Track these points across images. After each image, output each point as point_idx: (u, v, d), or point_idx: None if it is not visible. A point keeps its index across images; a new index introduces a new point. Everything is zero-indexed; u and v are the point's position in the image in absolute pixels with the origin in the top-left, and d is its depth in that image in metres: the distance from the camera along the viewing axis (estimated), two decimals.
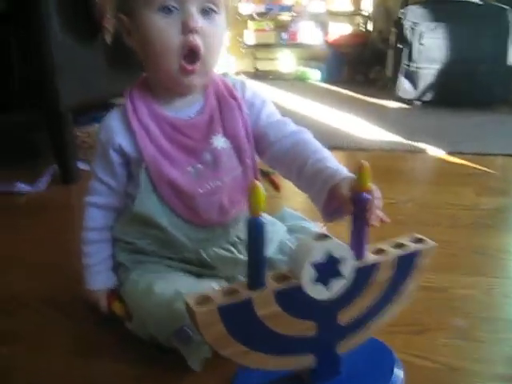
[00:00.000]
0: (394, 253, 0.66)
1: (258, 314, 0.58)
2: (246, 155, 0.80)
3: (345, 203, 0.65)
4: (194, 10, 0.70)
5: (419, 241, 0.69)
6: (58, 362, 0.76)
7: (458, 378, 0.71)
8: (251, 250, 0.56)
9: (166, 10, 0.69)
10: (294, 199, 1.41)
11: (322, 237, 0.60)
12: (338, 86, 3.30)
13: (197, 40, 0.70)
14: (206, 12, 0.71)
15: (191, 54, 0.71)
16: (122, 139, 0.76)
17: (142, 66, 0.77)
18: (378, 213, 0.66)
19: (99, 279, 0.84)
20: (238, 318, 0.57)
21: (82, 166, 1.59)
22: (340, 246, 0.59)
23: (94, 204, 0.83)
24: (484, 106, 2.53)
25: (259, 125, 0.80)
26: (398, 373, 0.70)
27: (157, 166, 0.75)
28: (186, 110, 0.78)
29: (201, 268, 0.81)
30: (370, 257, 0.65)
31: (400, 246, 0.67)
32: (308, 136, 0.79)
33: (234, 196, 0.79)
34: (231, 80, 0.83)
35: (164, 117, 0.77)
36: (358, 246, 0.63)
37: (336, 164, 0.72)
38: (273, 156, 0.79)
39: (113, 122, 0.78)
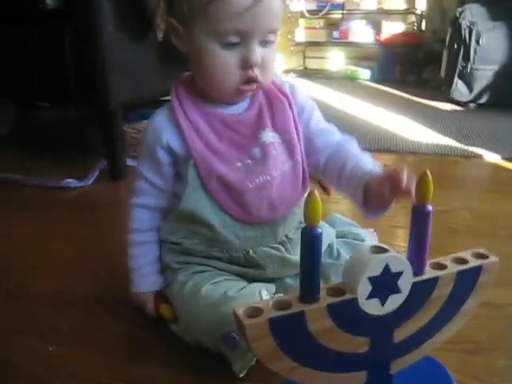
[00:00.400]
0: (454, 268, 0.62)
1: (310, 328, 0.55)
2: (296, 151, 0.79)
3: (378, 198, 0.68)
4: (255, 45, 0.69)
5: (481, 256, 0.64)
6: (101, 362, 0.76)
7: None
8: (305, 261, 0.54)
9: (230, 44, 0.69)
10: (345, 203, 1.37)
11: (380, 249, 0.57)
12: (388, 86, 3.23)
13: (256, 72, 0.71)
14: (265, 42, 0.71)
15: (248, 82, 0.72)
16: (170, 137, 0.76)
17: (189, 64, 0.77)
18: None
19: (146, 282, 0.84)
20: (289, 331, 0.55)
21: (130, 162, 1.59)
22: (399, 259, 0.57)
23: (141, 205, 0.82)
24: None
25: (308, 129, 0.81)
26: None
27: (206, 161, 0.74)
28: (234, 106, 0.78)
29: (249, 268, 0.80)
30: (429, 272, 0.61)
31: (461, 260, 0.64)
32: (351, 145, 0.80)
33: (283, 191, 0.78)
34: (281, 80, 0.82)
35: (213, 113, 0.76)
36: (416, 259, 0.60)
37: (371, 165, 0.75)
38: (316, 162, 0.81)
39: (160, 120, 0.77)
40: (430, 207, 0.59)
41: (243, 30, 0.68)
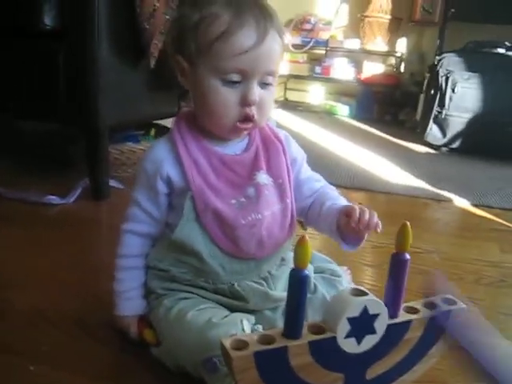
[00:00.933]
0: (426, 313, 0.67)
1: (291, 362, 0.59)
2: (286, 194, 0.84)
3: (346, 231, 0.78)
4: (254, 84, 0.74)
5: (451, 302, 0.69)
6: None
7: None
8: (292, 300, 0.58)
9: (232, 83, 0.74)
10: (321, 239, 1.41)
11: (360, 292, 0.61)
12: (366, 123, 3.31)
13: (253, 111, 0.76)
14: (264, 84, 0.76)
15: (246, 120, 0.76)
16: (170, 169, 0.79)
17: (184, 96, 0.82)
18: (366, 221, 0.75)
19: (131, 305, 0.85)
20: (272, 365, 0.58)
21: (112, 183, 1.61)
22: (376, 302, 0.61)
23: (133, 231, 0.84)
24: None
25: (298, 179, 0.88)
26: None
27: (203, 195, 0.77)
28: (233, 146, 0.82)
29: (232, 299, 0.82)
30: (403, 315, 0.65)
31: (431, 305, 0.68)
32: (330, 189, 0.89)
33: (272, 230, 0.82)
34: (274, 126, 0.88)
35: (213, 151, 0.80)
36: (392, 303, 0.64)
37: (345, 204, 0.83)
38: (303, 207, 0.88)
39: (161, 152, 0.80)
40: (407, 256, 0.64)
41: (244, 70, 0.73)
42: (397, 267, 0.64)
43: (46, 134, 2.13)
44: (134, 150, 1.78)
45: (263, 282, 0.84)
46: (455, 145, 2.63)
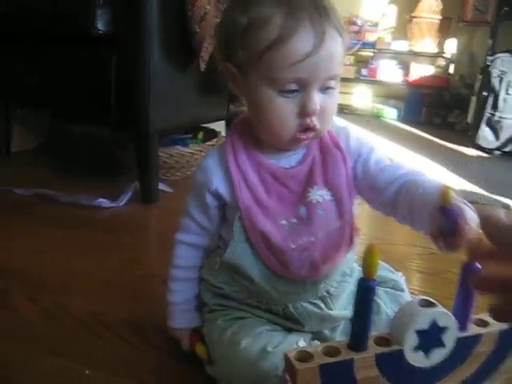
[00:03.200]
0: (498, 326, 0.63)
1: (357, 376, 0.56)
2: (346, 210, 0.76)
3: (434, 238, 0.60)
4: (314, 92, 0.67)
5: None
6: None
7: None
8: (359, 311, 0.55)
9: (288, 92, 0.66)
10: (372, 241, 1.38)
11: (428, 303, 0.58)
12: (414, 126, 3.26)
13: (314, 121, 0.68)
14: (326, 88, 0.68)
15: (306, 130, 0.69)
16: (218, 183, 0.75)
17: (234, 100, 0.78)
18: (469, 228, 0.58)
19: (183, 318, 0.84)
20: (337, 377, 0.55)
21: (161, 186, 1.62)
22: (445, 314, 0.58)
23: (185, 242, 0.82)
24: None
25: (368, 173, 0.76)
26: None
27: (251, 216, 0.73)
28: (288, 158, 0.75)
29: (286, 321, 0.78)
30: (473, 328, 0.62)
31: None
32: (419, 177, 0.72)
33: (327, 252, 0.75)
34: (335, 128, 0.78)
35: (265, 164, 0.74)
36: (462, 315, 0.61)
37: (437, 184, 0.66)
38: (383, 202, 0.74)
39: (211, 164, 0.76)
40: (480, 266, 0.60)
41: (302, 78, 0.65)
42: (467, 277, 0.60)
43: (96, 138, 2.16)
44: (182, 154, 1.78)
45: (320, 303, 0.78)
46: (509, 148, 2.57)
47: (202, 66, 1.50)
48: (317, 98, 0.67)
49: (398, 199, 0.71)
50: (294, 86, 0.66)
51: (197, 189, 0.78)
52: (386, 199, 0.73)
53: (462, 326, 0.61)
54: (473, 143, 2.67)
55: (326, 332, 0.79)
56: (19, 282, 1.06)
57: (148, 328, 0.90)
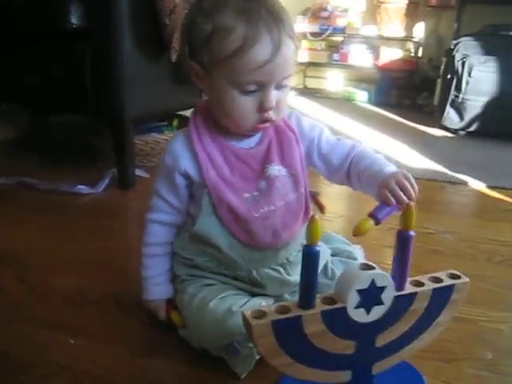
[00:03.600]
0: (430, 286, 0.72)
1: (306, 330, 0.65)
2: (300, 183, 0.86)
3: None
4: (271, 91, 0.76)
5: (455, 276, 0.74)
6: (119, 354, 0.85)
7: None
8: (305, 274, 0.64)
9: (249, 92, 0.75)
10: (338, 221, 1.48)
11: (368, 266, 0.67)
12: (384, 109, 3.35)
13: (271, 114, 0.78)
14: (280, 86, 0.77)
15: (265, 121, 0.79)
16: (187, 164, 0.83)
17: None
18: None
19: (158, 290, 0.92)
20: (288, 332, 0.64)
21: (138, 172, 1.69)
22: (383, 275, 0.66)
23: (157, 221, 0.89)
24: None
25: (322, 153, 0.87)
26: None
27: (218, 191, 0.81)
28: (247, 140, 0.85)
29: (251, 286, 0.88)
30: (409, 288, 0.71)
31: (437, 280, 0.73)
32: (363, 148, 0.87)
33: (286, 220, 0.85)
34: (286, 112, 0.87)
35: (227, 145, 0.83)
36: (399, 277, 0.69)
37: (383, 163, 0.82)
38: (342, 177, 0.87)
39: (178, 147, 0.84)
40: (412, 233, 0.69)
41: (261, 81, 0.74)
42: (402, 244, 0.69)
43: (73, 128, 2.22)
44: (158, 141, 1.86)
45: (281, 269, 0.88)
46: (472, 128, 2.66)
47: (173, 57, 1.57)
48: (273, 96, 0.76)
49: (349, 172, 0.86)
50: (253, 87, 0.75)
51: (166, 171, 0.85)
52: (341, 174, 0.87)
53: (399, 286, 0.70)
54: (439, 124, 2.76)
55: (287, 296, 0.88)
56: (6, 264, 1.14)
57: (129, 302, 0.98)
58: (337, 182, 0.90)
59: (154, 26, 1.53)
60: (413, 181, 0.76)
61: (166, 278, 0.92)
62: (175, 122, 2.06)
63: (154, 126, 1.98)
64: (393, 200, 0.73)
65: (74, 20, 1.45)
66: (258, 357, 0.79)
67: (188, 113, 1.98)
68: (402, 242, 0.69)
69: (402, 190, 0.74)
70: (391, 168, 0.80)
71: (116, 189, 1.65)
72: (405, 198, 0.73)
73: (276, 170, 0.84)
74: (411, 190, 0.74)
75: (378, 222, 0.72)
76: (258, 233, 0.83)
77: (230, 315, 0.78)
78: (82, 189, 1.60)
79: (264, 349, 0.64)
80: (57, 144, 2.24)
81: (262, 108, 0.76)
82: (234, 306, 0.79)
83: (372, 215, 0.73)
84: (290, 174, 0.85)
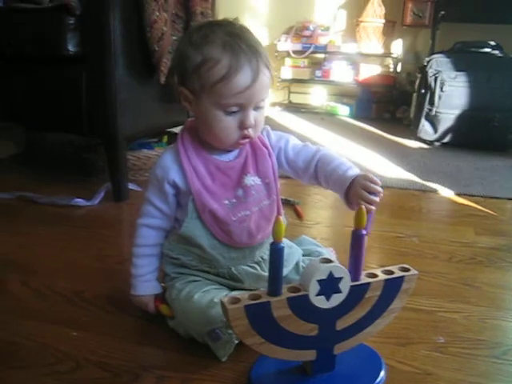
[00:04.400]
0: (383, 277, 0.83)
1: (274, 314, 0.76)
2: (273, 191, 0.99)
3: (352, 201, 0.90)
4: (250, 111, 0.89)
5: (406, 270, 0.85)
6: (116, 344, 0.97)
7: (430, 380, 0.89)
8: (272, 266, 0.75)
9: (231, 112, 0.88)
10: (315, 228, 1.61)
11: (327, 260, 0.78)
12: (365, 122, 3.47)
13: (250, 131, 0.91)
14: (257, 107, 0.91)
15: (245, 138, 0.92)
16: (175, 176, 0.95)
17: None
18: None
19: (148, 287, 1.03)
20: (259, 316, 0.76)
21: (131, 186, 1.82)
22: (340, 268, 0.77)
23: (147, 225, 1.00)
24: (499, 152, 2.69)
25: (289, 159, 1.00)
26: (383, 373, 0.88)
27: (201, 198, 0.93)
28: (227, 154, 0.97)
29: (231, 281, 1.00)
30: (364, 278, 0.82)
31: (389, 272, 0.84)
32: (325, 151, 0.99)
33: (260, 223, 0.98)
34: (262, 134, 1.01)
35: (210, 159, 0.95)
36: (354, 269, 0.80)
37: (346, 167, 0.94)
38: (310, 178, 1.00)
39: (168, 161, 0.96)
40: (363, 231, 0.79)
41: (242, 104, 0.87)
42: (355, 241, 0.79)
43: (69, 145, 2.34)
44: (149, 156, 2.00)
45: (256, 266, 1.01)
46: (446, 139, 2.80)
47: (162, 79, 1.70)
48: (252, 115, 0.90)
49: (317, 174, 0.98)
50: (235, 108, 0.88)
51: (157, 182, 0.97)
52: (309, 175, 0.99)
53: (355, 277, 0.80)
54: (415, 136, 2.90)
55: (262, 290, 1.00)
56: (13, 272, 1.25)
57: (123, 300, 1.09)
58: (308, 183, 1.03)
59: (144, 52, 1.66)
60: (374, 178, 0.89)
61: (155, 276, 1.04)
62: (165, 139, 2.18)
63: (145, 142, 2.10)
64: (370, 207, 0.86)
65: (71, 47, 1.57)
66: (236, 341, 0.90)
67: (176, 130, 2.11)
68: (355, 239, 0.79)
69: (368, 192, 0.88)
70: (353, 171, 0.93)
71: (111, 201, 1.76)
72: (375, 197, 0.87)
73: (251, 180, 0.97)
74: (376, 187, 0.88)
75: (367, 235, 0.82)
76: (235, 234, 0.96)
77: (212, 305, 0.90)
78: (79, 202, 1.71)
79: (239, 330, 0.76)
80: (53, 160, 2.36)
81: (242, 126, 0.89)
82: (215, 297, 0.91)
83: None
84: (264, 183, 0.98)
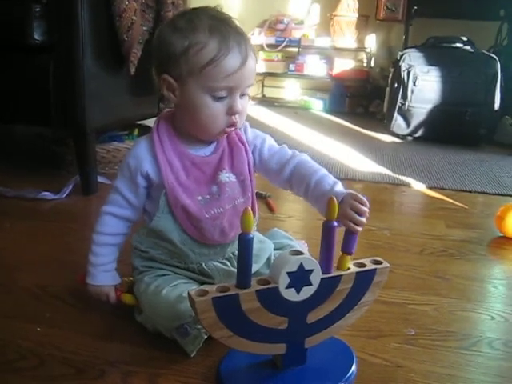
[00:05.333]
0: (354, 269, 0.82)
1: (243, 307, 0.75)
2: (248, 189, 0.98)
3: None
4: (237, 97, 0.88)
5: (378, 262, 0.85)
6: (81, 339, 0.94)
7: (400, 373, 0.89)
8: (240, 258, 0.74)
9: (219, 98, 0.87)
10: (288, 221, 1.60)
11: (297, 252, 0.77)
12: (338, 116, 3.49)
13: (237, 118, 0.89)
14: (243, 95, 0.90)
15: (231, 126, 0.90)
16: (148, 167, 0.92)
17: (163, 99, 0.97)
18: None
19: (108, 276, 1.00)
20: (227, 308, 0.74)
21: (100, 179, 1.78)
22: (310, 260, 0.76)
23: (112, 213, 0.97)
24: (470, 146, 2.73)
25: (263, 159, 0.99)
26: (354, 367, 0.87)
27: (174, 193, 0.91)
28: (203, 149, 0.95)
29: (201, 276, 0.98)
30: (335, 271, 0.81)
31: (361, 265, 0.84)
32: (303, 157, 0.98)
33: (233, 221, 0.96)
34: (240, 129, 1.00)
35: (185, 153, 0.93)
36: (325, 261, 0.79)
37: (331, 182, 0.93)
38: (280, 181, 0.98)
39: (142, 151, 0.93)
40: (335, 223, 0.78)
41: (231, 87, 0.86)
42: (326, 232, 0.78)
43: (36, 137, 2.29)
44: (119, 149, 1.96)
45: (227, 262, 1.00)
46: (418, 134, 2.83)
47: (132, 70, 1.67)
48: (239, 102, 0.88)
49: (292, 180, 0.96)
50: (224, 93, 0.87)
51: (129, 171, 0.94)
52: (282, 179, 0.98)
53: (326, 270, 0.79)
54: (388, 130, 2.92)
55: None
56: None
57: (87, 296, 1.05)
58: (280, 187, 1.01)
59: (113, 42, 1.62)
60: (363, 198, 0.86)
61: (114, 267, 1.01)
62: (136, 132, 2.15)
63: (115, 135, 2.06)
64: (357, 228, 0.83)
65: (37, 36, 1.53)
66: (205, 336, 0.88)
67: (147, 122, 2.09)
68: (327, 231, 0.78)
69: (356, 212, 0.84)
70: (339, 187, 0.91)
71: (79, 195, 1.72)
72: (362, 219, 0.84)
73: (226, 176, 0.95)
74: (364, 208, 0.85)
75: (351, 255, 0.82)
76: (207, 231, 0.94)
77: (180, 300, 0.88)
78: (47, 195, 1.67)
79: (206, 323, 0.74)
80: (21, 153, 2.30)
81: (231, 111, 0.88)
82: (184, 292, 0.89)
83: (346, 252, 0.82)
84: (239, 180, 0.96)
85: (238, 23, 0.90)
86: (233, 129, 0.91)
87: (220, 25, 0.86)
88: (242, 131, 1.00)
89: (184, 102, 0.89)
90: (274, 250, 1.08)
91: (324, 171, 0.95)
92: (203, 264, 0.98)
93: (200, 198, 0.93)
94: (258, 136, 1.01)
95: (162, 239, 0.96)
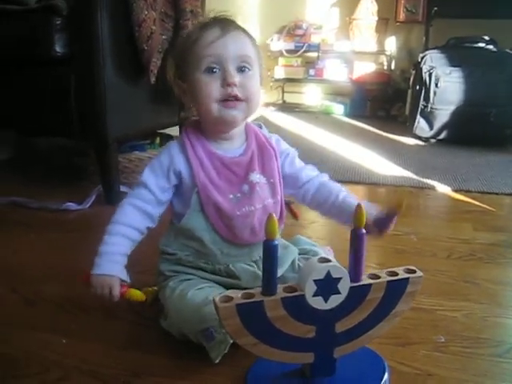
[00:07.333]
0: (385, 278, 0.79)
1: (268, 314, 0.73)
2: (278, 192, 1.00)
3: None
4: (231, 68, 0.89)
5: (411, 271, 0.81)
6: (106, 351, 0.94)
7: (432, 381, 0.86)
8: (265, 264, 0.73)
9: (210, 70, 0.89)
10: (311, 227, 1.58)
11: (325, 260, 0.75)
12: (360, 120, 3.47)
13: (235, 91, 0.89)
14: (242, 70, 0.91)
15: (231, 98, 0.90)
16: (181, 167, 0.94)
17: (183, 107, 0.99)
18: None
19: (115, 267, 0.94)
20: (251, 315, 0.73)
21: (123, 188, 1.78)
22: (338, 268, 0.74)
23: (133, 204, 0.95)
24: (495, 147, 2.67)
25: (294, 168, 1.03)
26: (386, 376, 0.85)
27: (206, 191, 0.93)
28: (233, 151, 0.97)
29: (227, 278, 0.98)
30: (365, 279, 0.78)
31: (393, 273, 0.80)
32: (327, 178, 1.04)
33: (263, 220, 0.92)
34: (267, 133, 1.04)
35: (216, 154, 0.95)
36: (354, 270, 0.77)
37: (354, 200, 0.97)
38: (305, 192, 1.03)
39: (175, 152, 0.96)
40: (363, 231, 0.76)
41: (215, 54, 0.89)
42: (355, 240, 0.76)
43: (59, 149, 2.31)
44: (141, 158, 1.96)
45: (254, 265, 1.00)
46: (442, 136, 2.78)
47: (152, 79, 1.67)
48: (234, 73, 0.89)
49: (315, 195, 1.03)
50: (213, 65, 0.89)
51: (162, 167, 0.95)
52: (306, 192, 1.03)
53: (355, 278, 0.77)
54: (411, 133, 2.88)
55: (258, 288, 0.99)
56: (0, 278, 1.22)
57: (114, 306, 1.02)
58: (301, 196, 1.04)
59: (133, 52, 1.63)
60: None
61: (124, 261, 0.95)
62: (157, 140, 2.15)
63: (137, 144, 2.07)
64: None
65: (59, 48, 1.54)
66: (231, 341, 0.86)
67: (168, 131, 2.09)
68: (355, 239, 0.76)
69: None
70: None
71: (102, 205, 1.72)
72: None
73: (257, 177, 0.97)
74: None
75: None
76: (238, 229, 0.95)
77: (205, 303, 0.88)
78: (70, 206, 1.68)
79: (231, 329, 0.73)
80: (44, 165, 2.33)
81: (224, 82, 0.89)
82: (210, 295, 0.88)
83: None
84: (269, 182, 0.99)
85: (241, 25, 0.95)
86: (235, 104, 0.91)
87: (215, 21, 0.93)
88: (274, 141, 1.02)
89: (192, 96, 0.93)
90: (299, 254, 1.07)
91: (346, 191, 1.02)
92: (230, 265, 0.98)
93: (231, 196, 0.95)
94: (289, 148, 1.05)
95: (191, 239, 0.97)
